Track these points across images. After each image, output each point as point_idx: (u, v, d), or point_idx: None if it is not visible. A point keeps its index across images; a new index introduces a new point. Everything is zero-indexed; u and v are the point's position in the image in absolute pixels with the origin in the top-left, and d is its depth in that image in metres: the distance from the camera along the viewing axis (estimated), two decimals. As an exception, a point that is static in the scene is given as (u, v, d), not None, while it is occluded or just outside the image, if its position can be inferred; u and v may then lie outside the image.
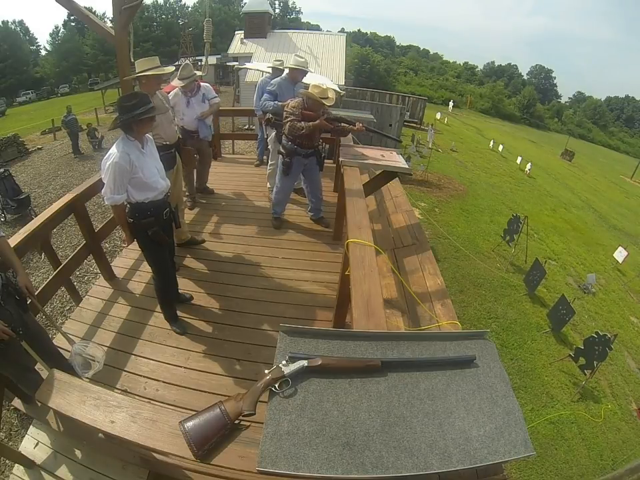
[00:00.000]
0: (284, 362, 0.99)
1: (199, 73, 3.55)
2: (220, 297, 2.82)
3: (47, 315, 2.11)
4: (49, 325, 3.15)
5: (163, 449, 0.99)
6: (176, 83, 3.39)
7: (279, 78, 3.79)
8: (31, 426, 1.91)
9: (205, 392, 2.11)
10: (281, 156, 3.36)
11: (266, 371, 0.98)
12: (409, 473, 0.83)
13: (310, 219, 3.82)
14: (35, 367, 1.85)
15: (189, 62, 3.60)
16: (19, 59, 35.09)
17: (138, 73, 2.54)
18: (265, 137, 5.08)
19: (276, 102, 3.59)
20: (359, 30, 65.22)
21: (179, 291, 2.74)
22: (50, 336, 2.20)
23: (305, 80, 3.85)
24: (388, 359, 1.05)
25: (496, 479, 1.68)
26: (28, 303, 1.80)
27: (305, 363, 0.98)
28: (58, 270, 2.58)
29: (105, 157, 1.99)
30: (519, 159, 15.27)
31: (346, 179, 2.61)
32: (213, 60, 22.98)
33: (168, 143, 2.80)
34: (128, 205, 2.13)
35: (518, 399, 1.03)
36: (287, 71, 3.86)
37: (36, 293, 2.33)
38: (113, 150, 1.97)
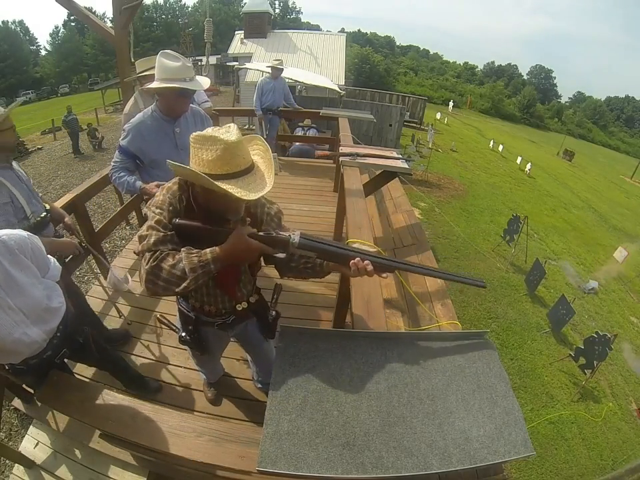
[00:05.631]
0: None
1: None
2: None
3: (94, 254, 2.31)
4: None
5: (163, 449, 0.99)
6: None
7: (141, 113, 2.04)
8: (31, 426, 1.91)
9: (205, 392, 2.11)
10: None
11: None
12: (409, 473, 0.83)
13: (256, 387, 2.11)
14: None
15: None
16: (19, 59, 35.14)
17: (138, 73, 2.60)
18: (265, 135, 5.10)
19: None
20: (358, 30, 65.34)
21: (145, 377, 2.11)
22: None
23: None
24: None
25: (496, 479, 1.68)
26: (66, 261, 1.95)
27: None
28: (58, 270, 2.57)
29: None
30: (519, 159, 15.26)
31: (346, 179, 2.61)
32: (213, 60, 22.94)
33: None
34: None
35: (518, 399, 1.03)
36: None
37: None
38: None
